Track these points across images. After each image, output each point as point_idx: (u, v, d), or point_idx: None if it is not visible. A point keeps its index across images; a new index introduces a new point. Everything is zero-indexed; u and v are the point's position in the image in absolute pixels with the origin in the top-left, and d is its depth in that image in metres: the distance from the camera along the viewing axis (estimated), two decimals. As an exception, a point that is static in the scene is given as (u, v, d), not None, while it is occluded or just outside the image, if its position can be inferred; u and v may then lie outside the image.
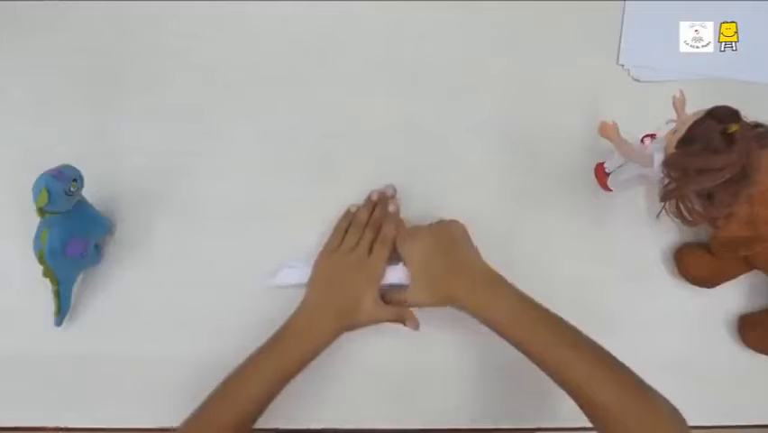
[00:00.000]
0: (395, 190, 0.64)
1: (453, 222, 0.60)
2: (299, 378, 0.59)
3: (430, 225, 0.60)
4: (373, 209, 0.63)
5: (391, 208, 0.62)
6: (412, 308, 0.59)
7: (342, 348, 0.61)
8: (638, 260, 0.66)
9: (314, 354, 0.55)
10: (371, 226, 0.61)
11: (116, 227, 0.64)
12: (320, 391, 0.61)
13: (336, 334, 0.56)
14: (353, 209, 0.64)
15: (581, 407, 0.49)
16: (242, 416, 0.52)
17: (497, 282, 0.55)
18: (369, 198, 0.64)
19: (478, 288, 0.55)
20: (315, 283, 0.59)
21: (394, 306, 0.58)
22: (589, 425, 0.58)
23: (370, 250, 0.59)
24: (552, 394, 0.60)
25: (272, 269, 0.62)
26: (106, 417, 0.60)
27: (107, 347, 0.61)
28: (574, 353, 0.50)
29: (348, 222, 0.63)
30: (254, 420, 0.53)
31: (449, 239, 0.58)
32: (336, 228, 0.63)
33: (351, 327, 0.57)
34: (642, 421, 0.46)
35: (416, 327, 0.58)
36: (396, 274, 0.60)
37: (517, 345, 0.52)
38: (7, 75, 0.70)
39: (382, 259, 0.59)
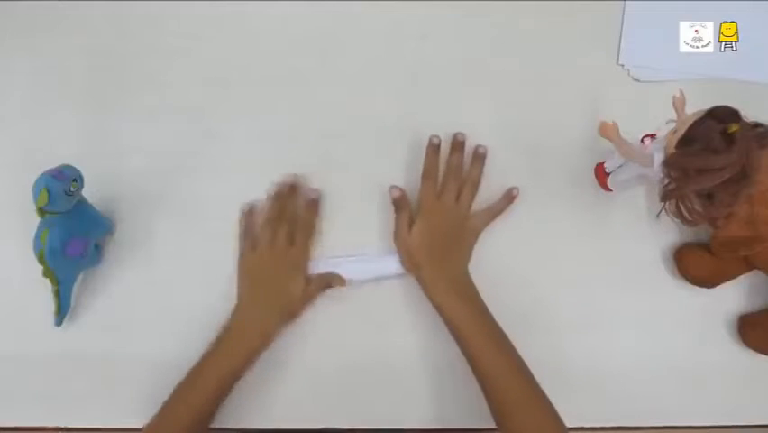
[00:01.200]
0: (300, 178, 0.65)
1: (475, 225, 0.62)
2: (299, 378, 0.60)
3: (464, 209, 0.62)
4: (280, 202, 0.63)
5: (313, 196, 0.63)
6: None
7: (342, 349, 0.62)
8: (638, 260, 0.66)
9: (258, 352, 0.57)
10: (285, 219, 0.61)
11: (116, 227, 0.65)
12: (319, 391, 0.61)
13: (277, 329, 0.58)
14: (246, 209, 0.64)
15: (494, 404, 0.55)
16: (198, 416, 0.54)
17: (467, 292, 0.59)
18: (272, 193, 0.64)
19: (449, 287, 0.58)
20: (242, 285, 0.60)
21: (318, 277, 0.60)
22: (589, 425, 0.58)
23: (292, 241, 0.60)
24: (551, 394, 0.60)
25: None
26: (106, 417, 0.60)
27: (107, 347, 0.61)
28: (503, 360, 0.56)
29: (249, 221, 0.63)
30: (210, 420, 0.56)
31: (466, 239, 0.61)
32: (244, 231, 0.63)
33: (289, 318, 0.59)
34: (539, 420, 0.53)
35: (343, 284, 0.61)
36: (390, 266, 0.61)
37: (459, 343, 0.57)
38: (7, 75, 0.70)
39: (305, 247, 0.61)
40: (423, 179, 0.63)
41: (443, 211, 0.60)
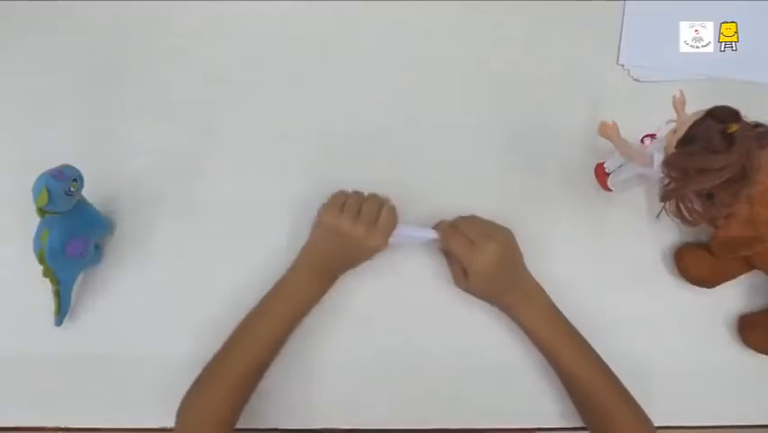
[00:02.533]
0: None
1: (511, 233, 0.61)
2: (300, 379, 0.60)
3: (493, 233, 0.59)
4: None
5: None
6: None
7: (342, 348, 0.62)
8: (638, 260, 0.66)
9: (316, 300, 0.59)
10: (375, 196, 0.61)
11: (116, 227, 0.65)
12: (320, 391, 0.61)
13: (338, 273, 0.61)
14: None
15: (581, 405, 0.58)
16: (257, 360, 0.56)
17: (538, 296, 0.60)
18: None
19: (524, 299, 0.59)
20: (319, 236, 0.60)
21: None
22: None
23: (375, 221, 0.58)
24: (551, 394, 0.60)
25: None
26: (106, 417, 0.60)
27: (107, 347, 0.61)
28: (586, 361, 0.57)
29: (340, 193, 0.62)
30: (266, 366, 0.57)
31: (515, 253, 0.60)
32: (336, 193, 0.61)
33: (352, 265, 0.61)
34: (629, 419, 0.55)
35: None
36: (422, 233, 0.61)
37: (541, 349, 0.59)
38: (7, 75, 0.70)
39: (390, 226, 0.59)
40: (449, 240, 0.60)
41: (482, 253, 0.58)
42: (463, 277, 0.59)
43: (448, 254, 0.62)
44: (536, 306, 0.59)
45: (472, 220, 0.61)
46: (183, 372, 0.57)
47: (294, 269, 0.60)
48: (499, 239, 0.58)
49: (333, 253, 0.59)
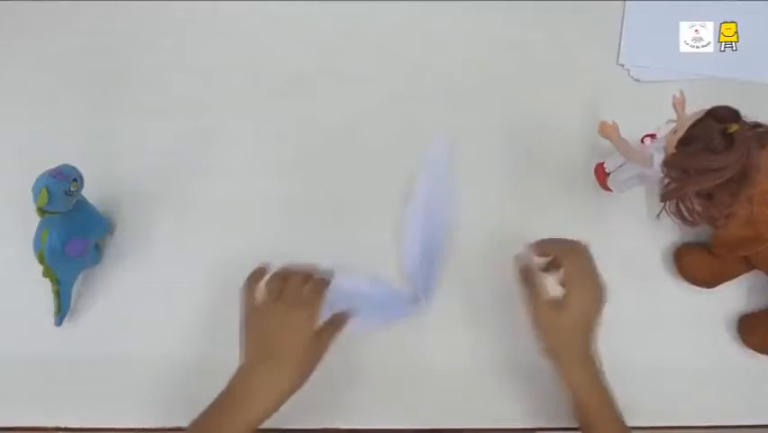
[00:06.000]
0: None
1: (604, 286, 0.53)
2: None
3: (597, 289, 0.52)
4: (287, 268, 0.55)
5: (326, 277, 0.54)
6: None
7: (342, 349, 0.61)
8: (638, 260, 0.66)
9: (262, 420, 0.50)
10: (294, 275, 0.53)
11: (116, 227, 0.65)
12: (320, 391, 0.61)
13: (290, 391, 0.50)
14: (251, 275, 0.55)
15: None
16: None
17: (593, 369, 0.52)
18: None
19: (579, 366, 0.52)
20: (248, 343, 0.51)
21: (328, 324, 0.53)
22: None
23: (300, 294, 0.52)
24: (552, 394, 0.60)
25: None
26: (106, 417, 0.60)
27: (107, 347, 0.61)
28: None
29: (253, 280, 0.55)
30: None
31: (598, 310, 0.52)
32: (246, 289, 0.54)
33: (302, 378, 0.51)
34: None
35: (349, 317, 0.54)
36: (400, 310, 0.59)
37: (581, 416, 0.52)
38: (7, 75, 0.70)
39: (316, 297, 0.52)
40: (528, 288, 0.53)
41: (595, 288, 0.52)
42: (551, 307, 0.51)
43: (526, 279, 0.53)
44: (589, 376, 0.52)
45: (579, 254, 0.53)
46: (183, 372, 0.57)
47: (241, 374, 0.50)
48: (603, 285, 0.52)
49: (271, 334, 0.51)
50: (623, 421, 0.52)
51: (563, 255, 0.53)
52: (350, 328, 0.55)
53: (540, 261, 0.55)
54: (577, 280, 0.51)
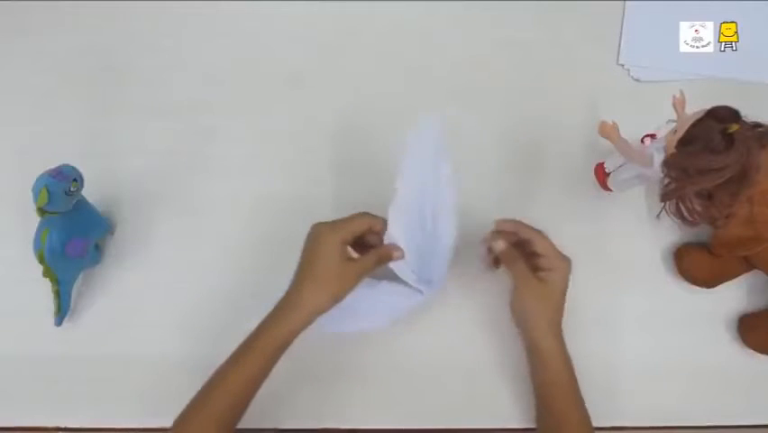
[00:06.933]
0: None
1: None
2: (300, 378, 0.59)
3: (568, 259, 0.57)
4: None
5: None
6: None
7: (342, 348, 0.62)
8: (638, 260, 0.66)
9: (308, 322, 0.54)
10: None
11: (116, 227, 0.65)
12: (320, 391, 0.61)
13: (327, 305, 0.54)
14: None
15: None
16: (250, 382, 0.53)
17: (561, 337, 0.57)
18: None
19: (554, 334, 0.56)
20: (301, 257, 0.56)
21: (367, 257, 0.55)
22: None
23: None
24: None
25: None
26: (106, 417, 0.60)
27: (107, 347, 0.61)
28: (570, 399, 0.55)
29: None
30: (259, 385, 0.54)
31: (569, 280, 0.57)
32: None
33: (338, 293, 0.54)
34: None
35: (401, 255, 0.56)
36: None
37: (538, 376, 0.57)
38: (7, 75, 0.70)
39: (353, 224, 0.55)
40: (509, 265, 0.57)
41: (568, 265, 0.56)
42: (531, 276, 0.55)
43: (508, 261, 0.57)
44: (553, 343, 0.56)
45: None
46: (183, 372, 0.57)
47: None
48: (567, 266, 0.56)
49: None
50: (582, 398, 0.56)
51: (532, 234, 0.57)
52: (358, 328, 0.57)
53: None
54: (554, 252, 0.56)
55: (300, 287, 0.54)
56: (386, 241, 0.57)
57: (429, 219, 0.58)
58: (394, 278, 0.58)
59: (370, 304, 0.58)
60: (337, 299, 0.54)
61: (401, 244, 0.56)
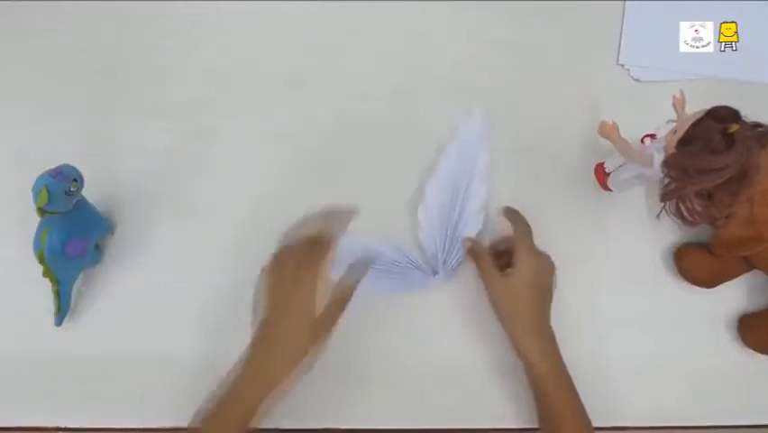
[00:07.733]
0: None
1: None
2: (300, 378, 0.59)
3: (544, 255, 0.57)
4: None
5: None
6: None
7: (342, 348, 0.62)
8: (638, 260, 0.66)
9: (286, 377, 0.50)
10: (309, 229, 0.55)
11: (116, 227, 0.65)
12: (321, 391, 0.61)
13: (310, 346, 0.50)
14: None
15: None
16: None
17: (549, 342, 0.56)
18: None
19: (535, 337, 0.55)
20: (266, 302, 0.52)
21: (345, 278, 0.53)
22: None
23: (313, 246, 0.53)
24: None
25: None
26: (106, 417, 0.60)
27: (107, 347, 0.61)
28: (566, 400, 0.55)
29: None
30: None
31: (549, 276, 0.57)
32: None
33: (322, 333, 0.51)
34: None
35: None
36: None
37: (527, 376, 0.57)
38: (7, 75, 0.70)
39: (328, 247, 0.52)
40: (476, 261, 0.59)
41: (546, 260, 0.57)
42: (502, 273, 0.55)
43: (477, 256, 0.58)
44: (542, 345, 0.55)
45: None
46: (183, 372, 0.57)
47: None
48: (546, 259, 0.57)
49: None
50: (577, 395, 0.55)
51: (511, 219, 0.58)
52: (365, 284, 0.55)
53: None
54: (523, 247, 0.56)
55: (281, 322, 0.50)
56: (420, 213, 0.61)
57: (458, 206, 0.62)
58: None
59: (384, 269, 0.61)
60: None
61: (433, 219, 0.61)
